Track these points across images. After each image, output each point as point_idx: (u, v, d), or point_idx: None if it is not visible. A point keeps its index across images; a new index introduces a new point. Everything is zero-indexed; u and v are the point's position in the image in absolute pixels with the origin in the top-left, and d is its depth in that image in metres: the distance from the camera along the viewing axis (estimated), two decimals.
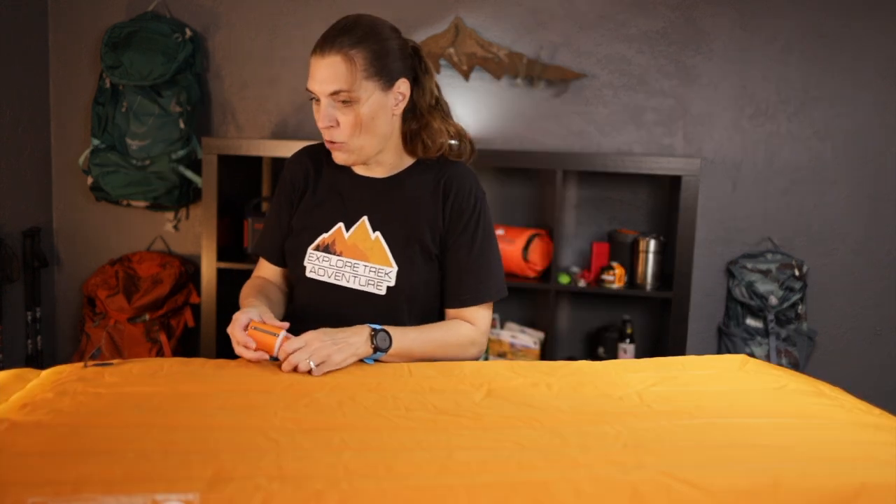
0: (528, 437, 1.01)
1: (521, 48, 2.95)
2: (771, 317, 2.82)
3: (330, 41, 1.40)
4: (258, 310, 1.38)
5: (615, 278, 2.77)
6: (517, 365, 1.38)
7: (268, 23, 3.06)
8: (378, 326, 1.40)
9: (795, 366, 2.80)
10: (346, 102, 1.40)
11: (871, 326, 2.93)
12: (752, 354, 2.79)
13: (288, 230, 1.58)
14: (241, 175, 3.04)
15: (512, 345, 2.86)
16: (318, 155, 1.59)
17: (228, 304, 2.84)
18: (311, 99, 1.45)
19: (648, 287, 2.81)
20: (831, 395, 1.25)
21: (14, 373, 1.23)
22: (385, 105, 1.45)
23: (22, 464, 0.86)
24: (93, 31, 3.11)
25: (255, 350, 1.32)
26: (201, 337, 2.88)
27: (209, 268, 2.83)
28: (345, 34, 1.40)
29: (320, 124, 1.43)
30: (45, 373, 1.25)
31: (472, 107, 3.01)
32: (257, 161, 3.11)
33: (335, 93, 1.40)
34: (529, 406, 1.14)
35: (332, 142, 1.46)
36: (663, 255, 2.81)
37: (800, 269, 2.83)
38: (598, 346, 2.97)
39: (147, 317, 2.95)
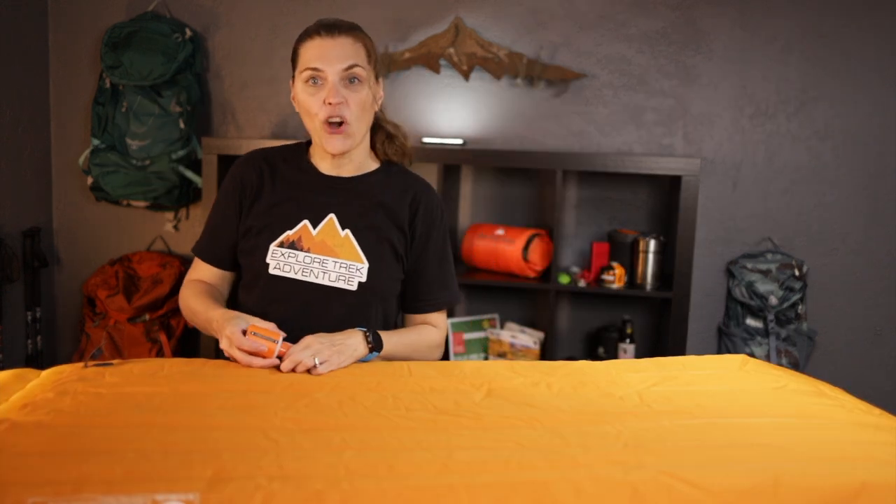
0: (528, 437, 1.01)
1: (521, 48, 2.95)
2: (771, 317, 2.82)
3: (337, 26, 1.46)
4: (242, 318, 1.37)
5: (615, 278, 2.77)
6: (517, 365, 1.38)
7: (268, 23, 3.06)
8: (364, 328, 1.44)
9: (795, 366, 2.80)
10: (354, 82, 1.45)
11: (871, 326, 2.93)
12: (752, 354, 2.79)
13: (239, 231, 1.56)
14: None
15: (512, 345, 2.86)
16: (273, 158, 1.58)
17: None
18: (311, 80, 1.45)
19: (648, 287, 2.80)
20: (831, 395, 1.25)
21: (14, 373, 1.23)
22: (374, 97, 1.51)
23: (22, 464, 0.86)
24: (93, 31, 3.11)
25: (254, 355, 1.32)
26: (201, 337, 2.88)
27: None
28: (346, 23, 1.48)
29: (330, 100, 1.43)
30: (45, 373, 1.25)
31: (472, 107, 3.01)
32: None
33: (349, 67, 1.44)
34: (529, 406, 1.14)
35: (335, 123, 1.46)
36: (663, 255, 2.81)
37: (800, 269, 2.84)
38: (598, 346, 2.97)
39: (147, 317, 2.95)
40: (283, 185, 1.55)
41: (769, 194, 2.92)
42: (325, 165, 1.56)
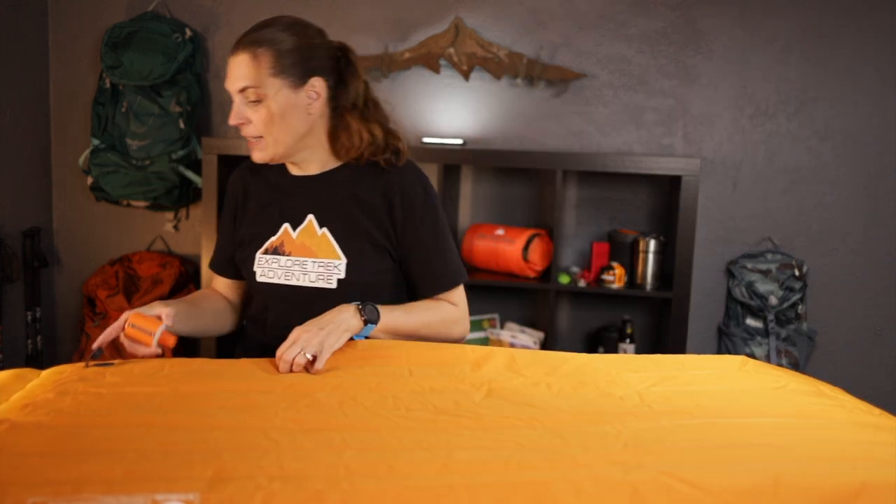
0: (528, 437, 1.01)
1: (521, 48, 2.95)
2: (771, 317, 2.82)
3: (240, 40, 1.47)
4: (140, 310, 1.45)
5: (615, 278, 2.77)
6: (518, 362, 1.37)
7: None
8: (358, 301, 1.41)
9: (795, 366, 2.80)
10: (255, 101, 1.44)
11: (871, 326, 2.93)
12: (751, 354, 2.80)
13: (236, 243, 1.60)
14: None
15: (512, 345, 2.87)
16: (257, 165, 1.59)
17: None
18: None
19: (648, 287, 2.81)
20: (831, 395, 1.25)
21: (14, 373, 1.23)
22: (296, 103, 1.46)
23: (22, 464, 0.86)
24: (93, 31, 3.11)
25: (135, 343, 1.43)
26: (201, 337, 2.88)
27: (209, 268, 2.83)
28: (256, 32, 1.47)
29: (231, 122, 1.48)
30: (45, 373, 1.25)
31: (472, 107, 3.01)
32: None
33: (243, 90, 1.44)
34: (529, 406, 1.14)
35: (249, 139, 1.49)
36: (663, 255, 2.81)
37: (800, 269, 2.84)
38: (598, 346, 2.97)
39: None
40: (265, 192, 1.58)
41: (769, 194, 2.92)
42: (293, 167, 1.57)
